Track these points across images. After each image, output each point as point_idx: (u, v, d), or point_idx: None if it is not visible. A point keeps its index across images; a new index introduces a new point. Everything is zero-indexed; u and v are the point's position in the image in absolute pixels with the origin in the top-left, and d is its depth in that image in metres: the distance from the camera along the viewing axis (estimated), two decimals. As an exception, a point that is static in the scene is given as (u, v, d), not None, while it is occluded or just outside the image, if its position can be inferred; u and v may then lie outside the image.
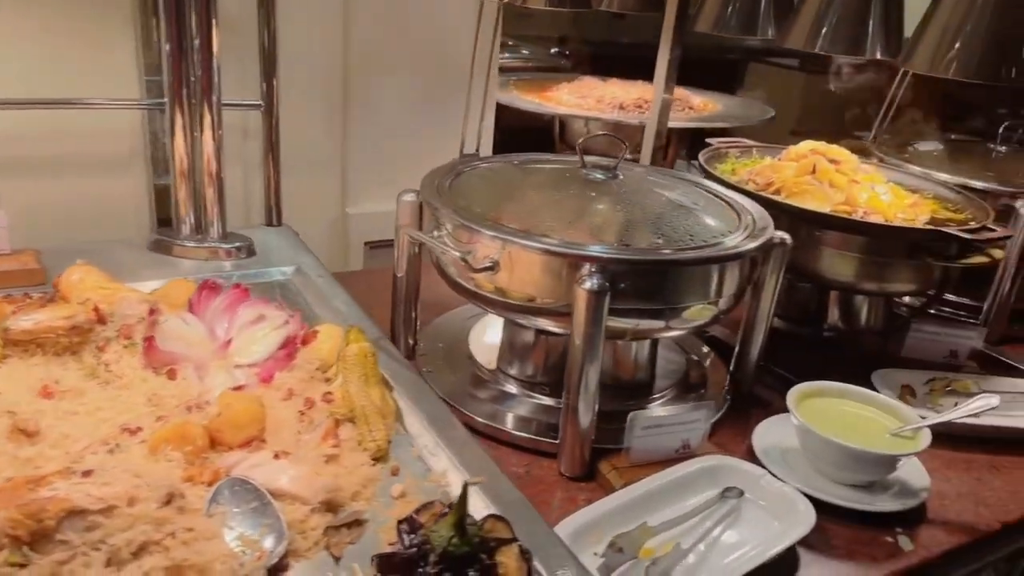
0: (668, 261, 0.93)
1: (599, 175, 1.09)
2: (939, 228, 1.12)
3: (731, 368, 1.20)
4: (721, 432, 1.10)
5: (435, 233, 1.01)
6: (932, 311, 1.42)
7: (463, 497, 0.66)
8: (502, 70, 2.23)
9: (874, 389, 1.18)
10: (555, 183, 1.10)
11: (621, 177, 1.10)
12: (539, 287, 0.93)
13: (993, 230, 1.16)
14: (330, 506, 0.75)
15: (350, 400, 0.87)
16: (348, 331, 0.97)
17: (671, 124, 1.70)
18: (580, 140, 1.11)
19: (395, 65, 1.56)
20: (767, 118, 1.98)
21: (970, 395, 1.17)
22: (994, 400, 0.99)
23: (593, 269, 0.89)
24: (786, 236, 1.09)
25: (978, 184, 1.46)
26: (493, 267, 0.94)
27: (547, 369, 1.10)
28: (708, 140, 1.50)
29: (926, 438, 0.97)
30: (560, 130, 2.07)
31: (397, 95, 1.59)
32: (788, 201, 1.23)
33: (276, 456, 0.79)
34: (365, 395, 0.88)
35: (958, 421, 1.00)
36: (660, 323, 0.97)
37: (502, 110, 1.85)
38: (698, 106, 2.08)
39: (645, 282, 0.93)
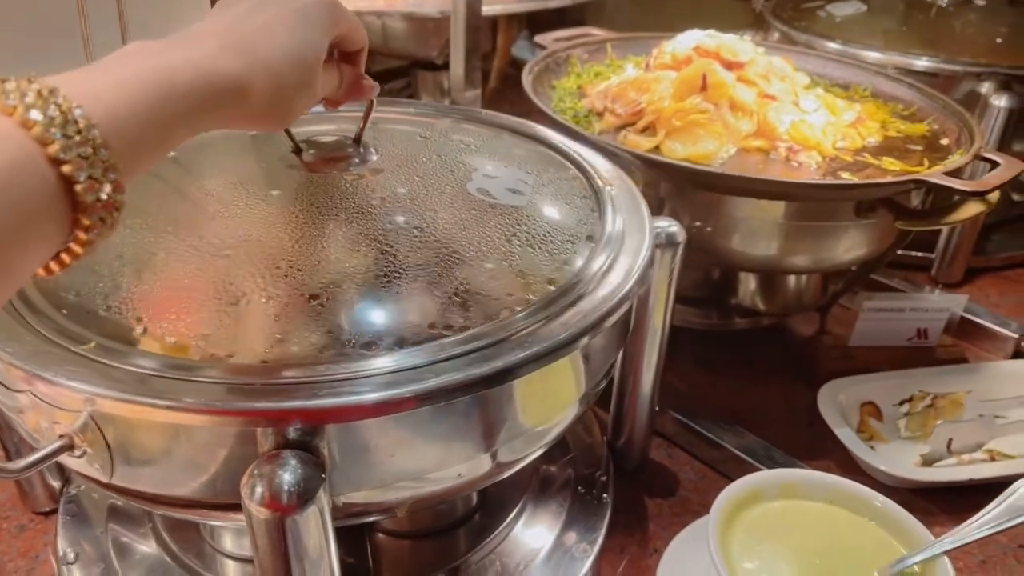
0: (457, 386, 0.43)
1: (325, 169, 0.56)
2: (920, 179, 0.67)
3: (608, 433, 0.75)
4: (606, 566, 0.66)
5: None
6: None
7: None
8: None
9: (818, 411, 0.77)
10: (244, 201, 0.54)
11: (374, 158, 0.58)
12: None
13: (991, 161, 0.72)
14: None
15: None
16: None
17: (488, 10, 1.18)
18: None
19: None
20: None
21: (963, 419, 0.77)
22: (1051, 492, 0.57)
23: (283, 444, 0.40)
24: (675, 230, 0.62)
25: (922, 63, 1.01)
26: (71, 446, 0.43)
27: None
28: (537, 40, 0.99)
29: (945, 575, 0.56)
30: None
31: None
32: (673, 147, 0.74)
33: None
34: None
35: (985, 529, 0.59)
36: (470, 474, 0.49)
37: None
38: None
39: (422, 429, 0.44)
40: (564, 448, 0.73)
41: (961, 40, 1.11)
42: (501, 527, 0.65)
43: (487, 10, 1.21)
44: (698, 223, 0.75)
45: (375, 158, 0.57)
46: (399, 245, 0.50)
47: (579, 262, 0.52)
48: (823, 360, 0.88)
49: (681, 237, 0.62)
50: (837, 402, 0.79)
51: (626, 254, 0.55)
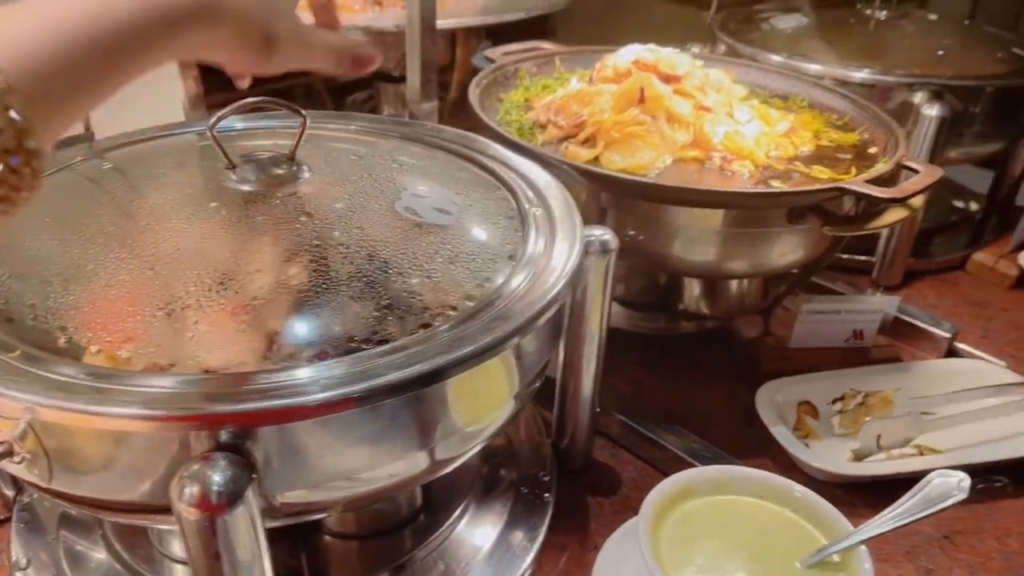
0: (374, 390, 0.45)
1: (258, 185, 0.58)
2: (842, 187, 0.70)
3: (552, 435, 0.77)
4: (547, 563, 0.68)
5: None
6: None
7: None
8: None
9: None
10: (177, 215, 0.57)
11: (307, 175, 0.60)
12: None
13: (913, 169, 0.76)
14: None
15: None
16: None
17: (444, 23, 1.20)
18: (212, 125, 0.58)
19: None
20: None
21: (892, 416, 0.81)
22: (963, 482, 0.60)
23: (211, 450, 0.42)
24: (607, 238, 0.64)
25: (860, 75, 1.05)
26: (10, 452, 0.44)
27: None
28: (487, 55, 1.01)
29: (862, 563, 0.59)
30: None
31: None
32: (611, 158, 0.77)
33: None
34: None
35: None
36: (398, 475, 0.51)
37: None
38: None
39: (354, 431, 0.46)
40: (508, 449, 0.76)
41: (899, 52, 1.16)
42: (445, 526, 0.67)
43: (446, 24, 1.24)
44: (635, 232, 0.78)
45: (308, 175, 0.59)
46: (325, 260, 0.52)
47: (499, 279, 0.54)
48: (764, 361, 0.91)
49: (614, 244, 0.64)
50: (775, 402, 0.82)
51: (557, 259, 0.57)
